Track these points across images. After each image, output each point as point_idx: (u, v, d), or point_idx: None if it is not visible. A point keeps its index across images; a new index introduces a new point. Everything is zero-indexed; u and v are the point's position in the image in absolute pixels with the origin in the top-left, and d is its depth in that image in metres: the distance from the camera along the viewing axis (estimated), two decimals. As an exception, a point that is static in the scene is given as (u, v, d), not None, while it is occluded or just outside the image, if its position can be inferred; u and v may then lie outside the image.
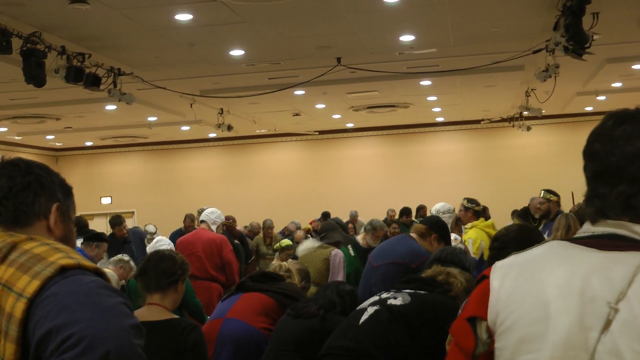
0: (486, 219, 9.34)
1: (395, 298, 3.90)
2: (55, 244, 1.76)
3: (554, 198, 9.39)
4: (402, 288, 4.05)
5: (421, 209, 15.60)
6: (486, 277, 1.75)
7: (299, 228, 13.40)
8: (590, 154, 1.71)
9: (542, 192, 9.53)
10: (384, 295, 3.98)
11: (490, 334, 1.70)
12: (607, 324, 1.53)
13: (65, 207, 1.98)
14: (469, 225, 8.45)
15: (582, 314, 1.56)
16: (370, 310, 3.88)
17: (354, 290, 4.94)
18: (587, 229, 1.71)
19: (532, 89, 14.18)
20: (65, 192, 2.00)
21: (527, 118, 17.33)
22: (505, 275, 1.70)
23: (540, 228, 9.01)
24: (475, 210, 8.79)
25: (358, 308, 4.04)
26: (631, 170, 1.64)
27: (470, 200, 8.90)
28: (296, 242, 10.55)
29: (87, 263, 1.71)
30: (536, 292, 1.63)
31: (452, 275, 4.18)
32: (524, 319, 1.62)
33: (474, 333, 1.73)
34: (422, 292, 3.98)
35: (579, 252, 1.65)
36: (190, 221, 13.48)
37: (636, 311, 1.51)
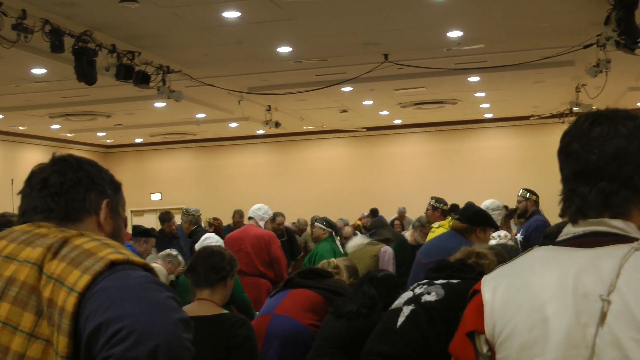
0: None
1: (429, 293, 3.81)
2: (104, 239, 1.78)
3: (532, 197, 9.27)
4: (434, 277, 3.97)
5: (454, 208, 15.43)
6: (478, 292, 1.77)
7: (346, 224, 13.38)
8: (569, 153, 1.75)
9: (521, 190, 9.45)
10: (418, 291, 3.89)
11: (490, 347, 1.72)
12: (603, 317, 1.56)
13: (115, 203, 2.00)
14: (436, 224, 8.55)
15: (578, 311, 1.59)
16: (406, 310, 3.80)
17: (388, 275, 4.89)
18: (569, 231, 1.75)
19: (582, 85, 13.96)
20: (114, 188, 2.02)
21: (578, 114, 17.06)
22: (496, 287, 1.73)
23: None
24: (443, 210, 9.10)
25: (394, 307, 3.94)
26: (610, 169, 1.69)
27: (438, 200, 9.18)
28: (344, 239, 10.55)
29: (136, 258, 1.73)
30: (530, 298, 1.66)
31: (482, 255, 4.06)
32: (522, 326, 1.65)
33: (473, 348, 1.75)
34: (455, 281, 3.88)
35: (565, 254, 1.69)
36: (239, 217, 13.58)
37: (628, 300, 1.55)
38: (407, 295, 3.94)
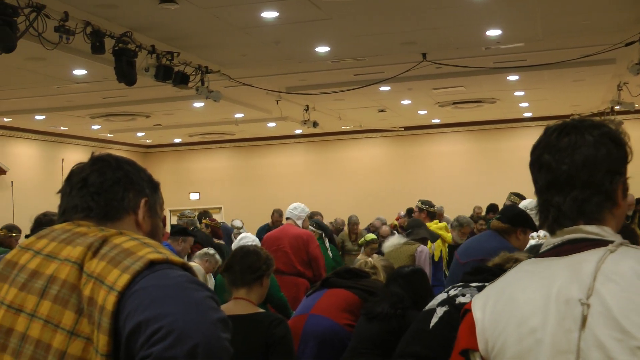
0: (440, 221, 9.73)
1: (463, 295, 3.78)
2: (144, 238, 1.80)
3: (518, 200, 9.26)
4: (469, 280, 3.94)
5: (493, 208, 15.32)
6: (469, 311, 1.83)
7: (384, 224, 13.36)
8: (541, 165, 1.80)
9: (509, 193, 9.50)
10: (452, 293, 3.85)
11: None
12: (584, 320, 1.60)
13: (153, 202, 2.02)
14: None
15: (561, 318, 1.63)
16: (440, 311, 3.78)
17: (414, 271, 4.88)
18: (549, 242, 1.80)
19: (624, 83, 13.77)
20: (152, 188, 2.04)
21: (619, 113, 16.83)
22: (485, 304, 1.78)
23: None
24: (429, 212, 9.19)
25: (427, 308, 3.92)
26: (581, 177, 1.74)
27: (424, 202, 9.29)
28: (382, 237, 10.54)
29: (175, 258, 1.74)
30: (516, 311, 1.70)
31: (520, 260, 4.04)
32: (511, 339, 1.69)
33: None
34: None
35: (545, 264, 1.74)
36: (278, 216, 13.64)
37: (607, 302, 1.59)
38: (442, 296, 3.91)
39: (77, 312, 1.66)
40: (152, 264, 1.68)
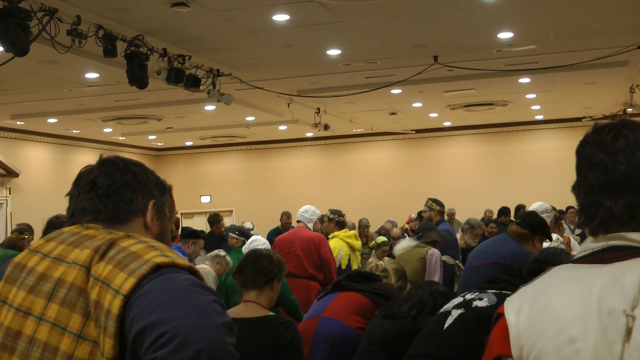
0: (350, 229, 9.90)
1: (480, 299, 3.77)
2: (151, 241, 1.80)
3: (436, 207, 9.37)
4: (486, 288, 3.93)
5: (520, 209, 15.28)
6: (501, 315, 1.75)
7: (395, 227, 13.35)
8: (593, 164, 1.72)
9: (428, 200, 9.60)
10: (469, 297, 3.85)
11: None
12: (628, 332, 1.54)
13: (161, 204, 2.02)
14: (331, 235, 9.00)
15: (604, 329, 1.56)
16: (455, 313, 3.76)
17: (446, 292, 4.87)
18: (587, 246, 1.72)
19: (637, 85, 13.72)
20: (160, 190, 2.03)
21: (632, 115, 16.76)
22: (519, 309, 1.71)
23: None
24: (338, 221, 9.39)
25: (442, 310, 3.91)
26: (638, 182, 1.66)
27: (333, 212, 9.50)
28: (393, 239, 10.53)
29: (181, 261, 1.74)
30: (555, 319, 1.63)
31: None
32: (549, 347, 1.62)
33: None
34: (509, 292, 3.85)
35: (585, 272, 1.67)
36: (286, 218, 13.63)
37: None
38: (457, 300, 3.90)
39: (85, 315, 1.66)
40: (158, 268, 1.68)
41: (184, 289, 1.64)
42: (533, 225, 5.84)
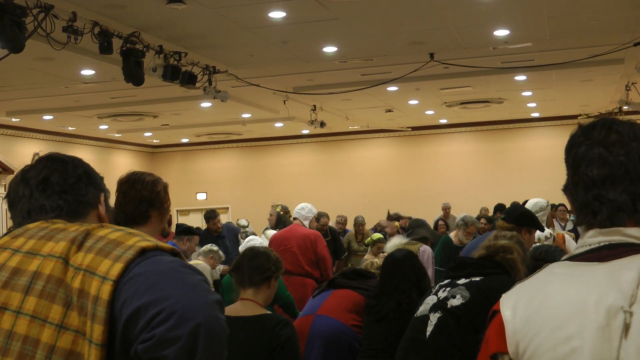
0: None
1: (454, 297, 3.78)
2: (127, 229, 1.83)
3: (280, 210, 9.72)
4: (453, 276, 3.94)
5: (501, 209, 15.28)
6: (497, 312, 1.75)
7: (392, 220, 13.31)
8: (592, 159, 1.72)
9: (273, 204, 9.96)
10: (442, 295, 3.85)
11: None
12: (626, 329, 1.54)
13: (107, 197, 2.10)
14: None
15: (602, 326, 1.56)
16: (434, 319, 3.77)
17: (405, 255, 4.89)
18: (585, 242, 1.72)
19: (632, 83, 13.74)
20: (103, 183, 2.11)
21: (628, 113, 16.79)
22: (516, 305, 1.71)
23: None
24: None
25: (420, 314, 3.89)
26: (639, 171, 1.68)
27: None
28: (390, 235, 10.53)
29: (164, 245, 1.78)
30: (551, 315, 1.63)
31: (508, 249, 4.08)
32: (546, 344, 1.62)
33: None
34: (477, 279, 3.85)
35: (582, 269, 1.66)
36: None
37: None
38: (432, 300, 3.90)
39: (65, 305, 1.67)
40: (143, 252, 1.71)
41: (174, 269, 1.68)
42: (517, 217, 5.84)
